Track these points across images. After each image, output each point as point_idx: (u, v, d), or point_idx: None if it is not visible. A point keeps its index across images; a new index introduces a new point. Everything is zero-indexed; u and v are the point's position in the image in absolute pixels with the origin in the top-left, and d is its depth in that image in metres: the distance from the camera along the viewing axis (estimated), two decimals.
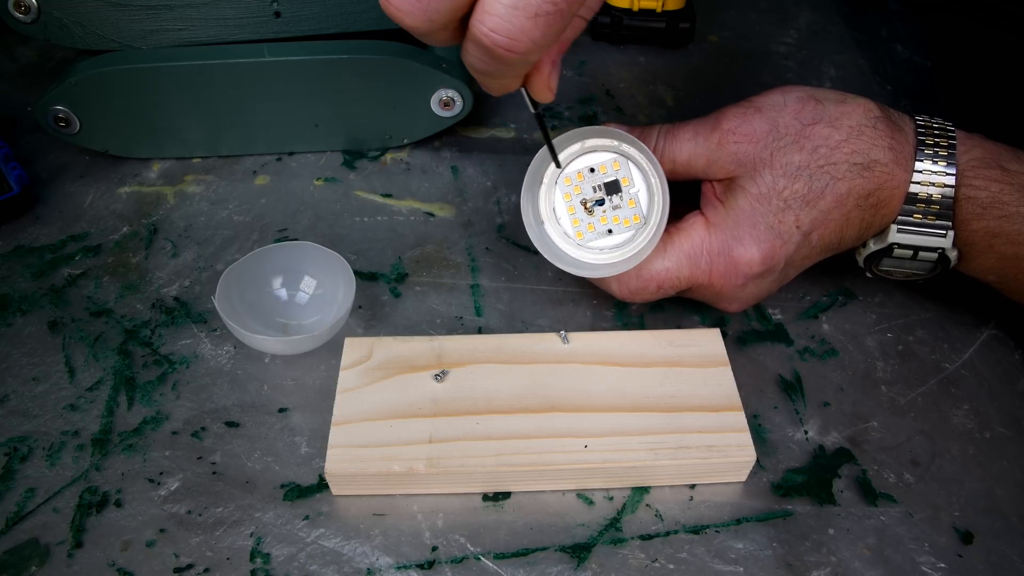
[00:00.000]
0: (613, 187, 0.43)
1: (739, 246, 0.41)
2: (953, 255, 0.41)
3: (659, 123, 0.44)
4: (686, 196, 0.45)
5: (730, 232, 0.41)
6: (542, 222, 0.43)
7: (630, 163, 0.42)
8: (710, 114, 0.43)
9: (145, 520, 0.39)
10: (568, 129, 0.43)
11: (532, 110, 0.38)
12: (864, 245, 0.43)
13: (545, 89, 0.37)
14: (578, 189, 0.43)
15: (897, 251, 0.42)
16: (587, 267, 0.43)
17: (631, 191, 0.43)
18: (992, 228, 0.40)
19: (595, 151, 0.43)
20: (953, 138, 0.41)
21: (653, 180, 0.42)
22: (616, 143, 0.42)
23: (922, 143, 0.41)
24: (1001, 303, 0.45)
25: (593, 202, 0.43)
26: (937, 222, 0.40)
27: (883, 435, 0.43)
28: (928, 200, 0.40)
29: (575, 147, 0.43)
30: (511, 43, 0.30)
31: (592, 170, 0.43)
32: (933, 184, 0.40)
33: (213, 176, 0.55)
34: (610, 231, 0.43)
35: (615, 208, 0.43)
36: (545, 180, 0.43)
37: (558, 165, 0.42)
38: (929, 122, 0.42)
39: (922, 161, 0.40)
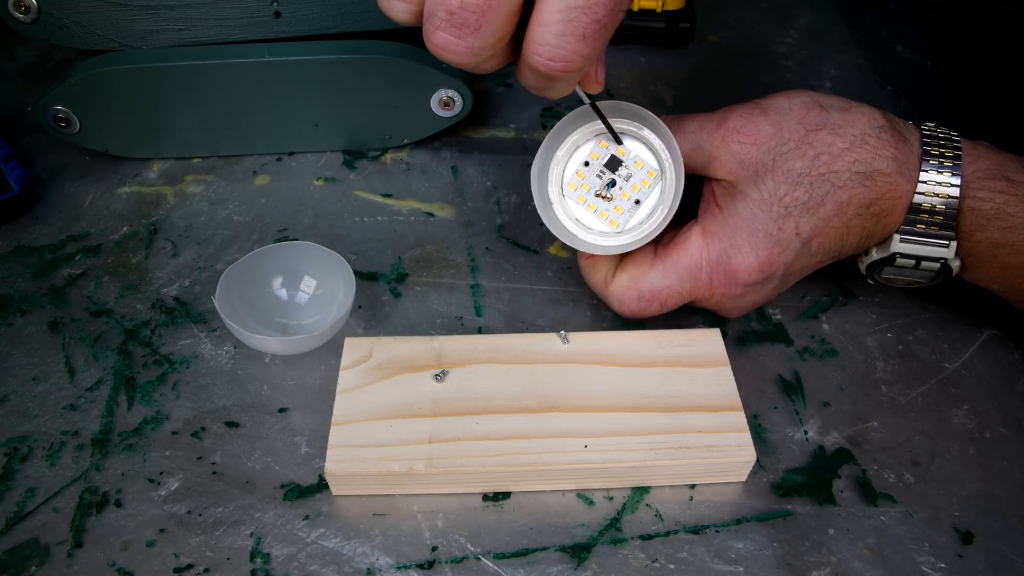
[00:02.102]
0: (613, 163, 0.43)
1: (737, 254, 0.41)
2: (955, 265, 0.41)
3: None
4: (689, 196, 0.45)
5: (728, 240, 0.41)
6: (574, 235, 0.43)
7: (611, 136, 0.43)
8: (716, 111, 0.43)
9: (145, 520, 0.39)
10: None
11: (586, 101, 0.40)
12: (866, 253, 0.43)
13: (595, 83, 0.39)
14: (587, 187, 0.43)
15: (899, 260, 0.42)
16: (634, 242, 0.42)
17: (631, 156, 0.42)
18: (996, 239, 0.40)
19: (580, 146, 0.43)
20: (959, 148, 0.40)
21: (649, 136, 0.42)
22: (662, 151, 0.42)
23: (927, 153, 0.40)
24: (1001, 303, 0.45)
25: (606, 186, 0.43)
26: (940, 232, 0.40)
27: (883, 435, 0.43)
28: (932, 211, 0.40)
29: (575, 135, 0.43)
30: (567, 65, 0.33)
31: (587, 164, 0.43)
32: (937, 195, 0.40)
33: (213, 176, 0.55)
34: (637, 201, 0.43)
35: (628, 178, 0.43)
36: (554, 200, 0.43)
37: (619, 142, 0.42)
38: (935, 131, 0.41)
39: (927, 171, 0.40)
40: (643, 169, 0.43)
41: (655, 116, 0.41)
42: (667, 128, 0.41)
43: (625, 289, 0.43)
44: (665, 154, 0.42)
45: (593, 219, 0.43)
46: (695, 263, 0.42)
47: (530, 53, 0.33)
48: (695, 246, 0.42)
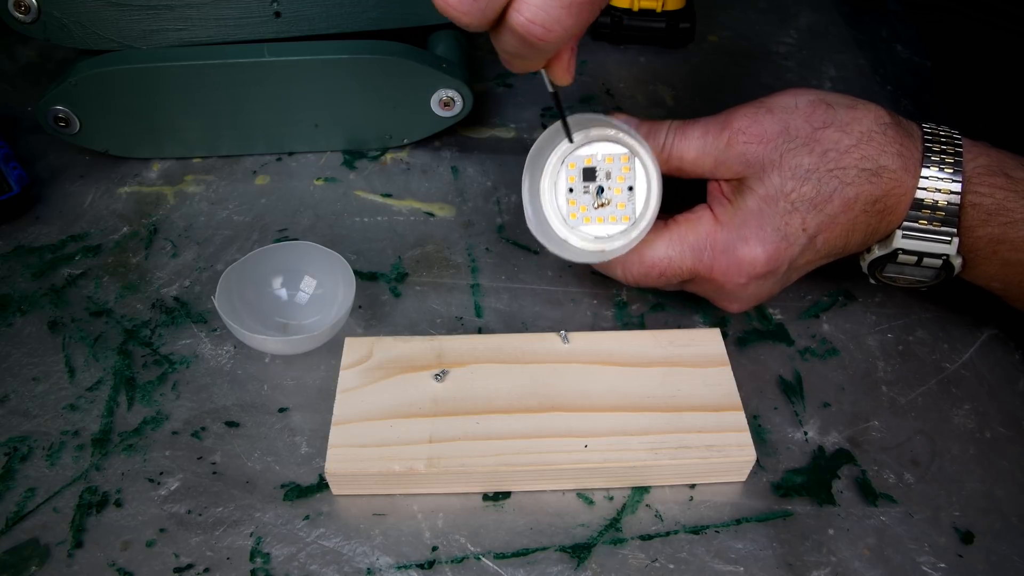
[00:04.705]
0: (589, 173, 0.43)
1: (744, 245, 0.41)
2: (957, 262, 0.41)
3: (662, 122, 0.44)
4: (688, 195, 0.45)
5: (736, 231, 0.41)
6: (603, 251, 0.43)
7: (637, 161, 0.43)
8: (720, 113, 0.43)
9: (145, 520, 0.39)
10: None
11: (550, 90, 0.40)
12: (868, 251, 0.43)
13: (565, 73, 0.39)
14: (584, 207, 0.43)
15: (902, 257, 0.42)
16: (652, 214, 0.43)
17: (598, 157, 0.43)
18: (997, 235, 0.40)
19: (556, 182, 0.43)
20: (960, 146, 0.41)
21: (598, 131, 0.43)
22: (626, 137, 0.43)
23: (929, 150, 0.41)
24: (1001, 303, 0.45)
25: (597, 195, 0.43)
26: (942, 228, 0.40)
27: (883, 435, 0.43)
28: (934, 207, 0.40)
29: (545, 179, 0.44)
30: (545, 31, 0.33)
31: (571, 190, 0.43)
32: (939, 191, 0.40)
33: (213, 176, 0.55)
34: (631, 188, 0.43)
35: (609, 176, 0.43)
36: (549, 203, 0.44)
37: (571, 140, 0.42)
38: (936, 130, 0.42)
39: (929, 168, 0.40)
40: (615, 159, 0.43)
41: (589, 113, 0.42)
42: (602, 116, 0.42)
43: (630, 252, 0.43)
44: (619, 133, 0.42)
45: (608, 228, 0.43)
46: (701, 243, 0.42)
47: (513, 11, 0.33)
48: (704, 227, 0.42)
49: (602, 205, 0.43)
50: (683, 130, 0.43)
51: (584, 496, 0.40)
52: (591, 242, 0.43)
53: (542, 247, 0.43)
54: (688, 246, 0.42)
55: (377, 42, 0.53)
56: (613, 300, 0.49)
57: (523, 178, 0.43)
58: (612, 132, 0.42)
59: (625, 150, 0.43)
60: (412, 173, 0.56)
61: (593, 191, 0.43)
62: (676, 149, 0.43)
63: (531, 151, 0.43)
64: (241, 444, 0.42)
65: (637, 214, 0.43)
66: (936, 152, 0.40)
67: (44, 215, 0.52)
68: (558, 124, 0.42)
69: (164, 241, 0.51)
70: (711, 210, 0.43)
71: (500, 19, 0.34)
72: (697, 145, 0.42)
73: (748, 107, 0.42)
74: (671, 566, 0.38)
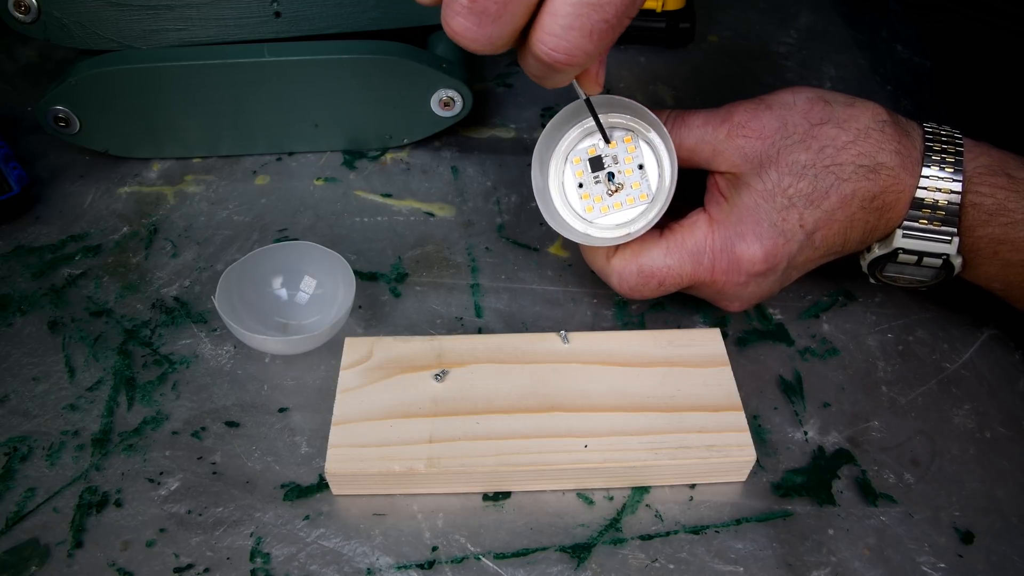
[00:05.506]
0: (597, 163, 0.43)
1: (742, 243, 0.41)
2: (958, 262, 0.41)
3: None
4: (688, 194, 0.45)
5: (733, 229, 0.41)
6: (629, 234, 0.43)
7: (640, 139, 0.42)
8: (722, 106, 0.43)
9: (145, 520, 0.39)
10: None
11: (581, 98, 0.40)
12: (868, 250, 0.43)
13: (594, 84, 0.40)
14: (599, 198, 0.43)
15: (902, 256, 0.42)
16: (670, 187, 0.42)
17: (600, 143, 0.43)
18: (997, 235, 0.40)
19: (563, 182, 0.43)
20: (960, 145, 0.41)
21: (654, 138, 0.42)
22: (626, 118, 0.42)
23: (930, 149, 0.41)
24: (1001, 303, 0.45)
25: (608, 182, 0.43)
26: (943, 228, 0.40)
27: (883, 435, 0.43)
28: (934, 206, 0.40)
29: (551, 180, 0.43)
30: (569, 58, 0.34)
31: (581, 186, 0.43)
32: (940, 190, 0.40)
33: (213, 176, 0.55)
34: (641, 166, 0.43)
35: (616, 160, 0.43)
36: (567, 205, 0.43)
37: (607, 141, 0.42)
38: (937, 130, 0.42)
39: (929, 167, 0.40)
40: (618, 141, 0.43)
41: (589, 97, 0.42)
42: (611, 97, 0.41)
43: (626, 263, 0.43)
44: (621, 117, 0.42)
45: (628, 212, 0.43)
46: (699, 247, 0.42)
47: (535, 40, 0.33)
48: (701, 231, 0.42)
49: (616, 190, 0.43)
50: (683, 118, 0.43)
51: (584, 496, 0.40)
52: (613, 230, 0.43)
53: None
54: (687, 252, 0.42)
55: (377, 42, 0.53)
56: (613, 300, 0.49)
57: (533, 182, 0.43)
58: (624, 119, 0.42)
59: (625, 131, 0.43)
60: (412, 173, 0.56)
61: (604, 179, 0.43)
62: (675, 135, 0.43)
63: (535, 153, 0.42)
64: (241, 444, 0.42)
65: (653, 189, 0.42)
66: (936, 151, 0.40)
67: (44, 215, 0.52)
68: (552, 123, 0.42)
69: (164, 241, 0.51)
70: (707, 213, 0.43)
71: (523, 45, 0.35)
72: (697, 134, 0.42)
73: (749, 103, 0.42)
74: (671, 566, 0.38)
